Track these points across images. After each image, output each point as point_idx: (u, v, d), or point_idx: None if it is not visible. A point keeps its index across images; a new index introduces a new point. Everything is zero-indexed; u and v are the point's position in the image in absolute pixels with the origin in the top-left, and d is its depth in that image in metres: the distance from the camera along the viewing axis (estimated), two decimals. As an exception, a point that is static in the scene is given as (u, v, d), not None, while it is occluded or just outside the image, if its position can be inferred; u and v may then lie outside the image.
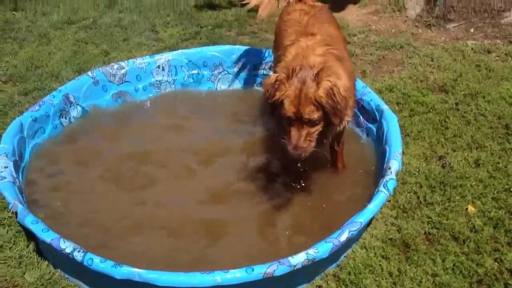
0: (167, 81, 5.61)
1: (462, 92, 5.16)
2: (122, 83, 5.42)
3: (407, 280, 3.34)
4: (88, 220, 3.97)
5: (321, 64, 3.44)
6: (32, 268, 3.50)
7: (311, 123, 3.42)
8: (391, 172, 3.71)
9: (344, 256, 3.56)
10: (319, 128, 3.48)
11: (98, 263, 3.06)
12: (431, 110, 4.94)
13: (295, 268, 3.08)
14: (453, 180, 4.07)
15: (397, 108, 4.97)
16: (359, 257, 3.53)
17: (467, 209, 3.83)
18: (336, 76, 3.45)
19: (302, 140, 3.41)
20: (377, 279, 3.37)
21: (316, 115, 3.38)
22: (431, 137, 4.59)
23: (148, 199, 4.18)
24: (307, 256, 3.11)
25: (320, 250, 3.16)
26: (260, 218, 4.04)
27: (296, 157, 3.47)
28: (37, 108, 4.68)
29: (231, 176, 4.40)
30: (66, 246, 3.16)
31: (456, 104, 5.01)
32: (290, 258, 3.09)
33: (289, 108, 3.38)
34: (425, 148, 4.47)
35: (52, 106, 4.80)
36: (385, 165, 3.87)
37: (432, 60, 5.84)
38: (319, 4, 4.44)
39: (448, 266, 3.42)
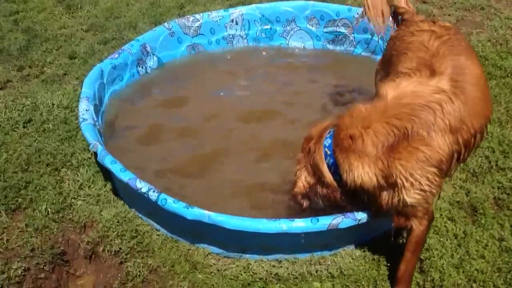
0: (239, 35, 5.67)
1: (545, 57, 4.95)
2: (197, 35, 5.52)
3: (472, 242, 3.33)
4: (158, 164, 4.13)
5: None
6: (109, 206, 3.71)
7: None
8: (463, 134, 3.62)
9: (409, 215, 3.57)
10: None
11: (171, 203, 3.20)
12: (509, 75, 4.78)
13: (359, 222, 3.12)
14: (528, 146, 3.97)
15: (473, 71, 4.83)
16: (424, 217, 3.53)
17: (540, 176, 3.73)
18: None
19: None
20: (441, 239, 3.36)
21: None
22: (508, 102, 4.46)
23: (221, 147, 4.30)
24: (373, 211, 3.14)
25: (386, 206, 3.18)
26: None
27: None
28: (116, 56, 4.86)
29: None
30: (142, 186, 3.32)
31: (537, 69, 4.82)
32: (356, 212, 3.14)
33: None
34: (500, 113, 4.35)
35: (130, 55, 4.98)
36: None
37: (514, 23, 5.60)
38: (450, 25, 3.32)
39: (516, 231, 3.38)
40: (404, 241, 3.08)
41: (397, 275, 3.07)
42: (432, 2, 6.17)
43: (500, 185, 3.71)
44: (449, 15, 5.88)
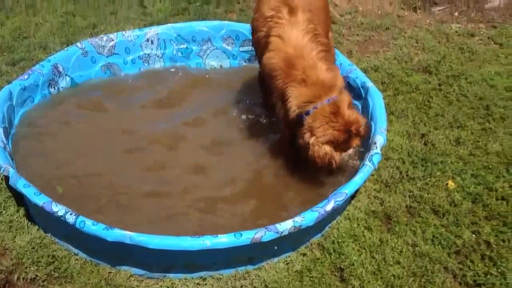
0: (155, 54, 5.63)
1: (445, 73, 5.29)
2: (111, 55, 5.42)
3: (388, 249, 3.46)
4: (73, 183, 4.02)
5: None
6: (23, 232, 3.54)
7: None
8: (376, 147, 3.80)
9: (329, 227, 3.67)
10: None
11: (90, 225, 3.11)
12: (414, 90, 5.06)
13: (282, 235, 3.18)
14: (434, 156, 4.20)
15: (382, 87, 5.07)
16: (343, 227, 3.64)
17: (447, 184, 3.95)
18: None
19: None
20: (359, 248, 3.48)
21: None
22: (414, 116, 4.71)
23: (137, 159, 4.30)
24: (294, 224, 3.21)
25: (307, 218, 3.26)
26: (251, 183, 4.12)
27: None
28: (26, 77, 4.68)
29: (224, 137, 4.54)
30: (58, 209, 3.20)
31: (439, 84, 5.14)
32: (277, 225, 3.19)
33: None
34: (408, 126, 4.59)
35: (41, 76, 4.80)
36: (370, 140, 3.97)
37: (416, 42, 5.96)
38: None
39: (428, 237, 3.55)
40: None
41: None
42: (341, 22, 6.44)
43: (411, 193, 3.90)
44: (357, 34, 6.16)
